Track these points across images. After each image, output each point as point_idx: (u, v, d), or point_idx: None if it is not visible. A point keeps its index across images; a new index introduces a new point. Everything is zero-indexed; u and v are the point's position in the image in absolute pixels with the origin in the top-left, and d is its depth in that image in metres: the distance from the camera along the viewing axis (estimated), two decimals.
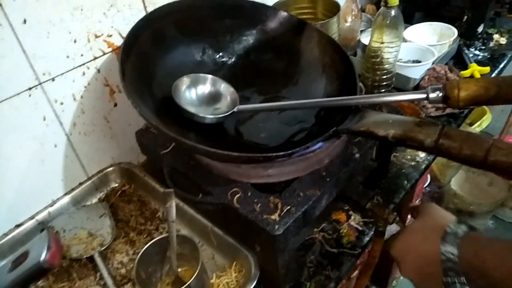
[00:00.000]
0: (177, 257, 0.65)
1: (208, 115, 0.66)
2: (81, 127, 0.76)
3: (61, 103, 0.71)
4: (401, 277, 1.66)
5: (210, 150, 0.52)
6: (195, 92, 0.69)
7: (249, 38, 0.81)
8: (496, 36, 1.22)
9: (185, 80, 0.68)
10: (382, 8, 0.88)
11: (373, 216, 0.63)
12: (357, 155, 0.64)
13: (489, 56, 1.16)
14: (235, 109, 0.67)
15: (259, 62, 0.80)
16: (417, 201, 1.28)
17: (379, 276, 1.52)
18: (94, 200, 0.82)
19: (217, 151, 0.52)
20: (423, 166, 0.84)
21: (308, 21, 1.08)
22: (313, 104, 0.64)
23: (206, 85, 0.70)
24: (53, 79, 0.68)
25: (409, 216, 1.28)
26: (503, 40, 1.21)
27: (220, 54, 0.79)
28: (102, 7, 0.70)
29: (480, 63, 1.11)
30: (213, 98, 0.70)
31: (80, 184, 0.81)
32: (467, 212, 1.66)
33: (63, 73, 0.69)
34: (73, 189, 0.80)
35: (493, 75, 1.09)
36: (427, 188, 1.54)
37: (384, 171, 0.82)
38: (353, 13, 1.08)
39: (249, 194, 0.60)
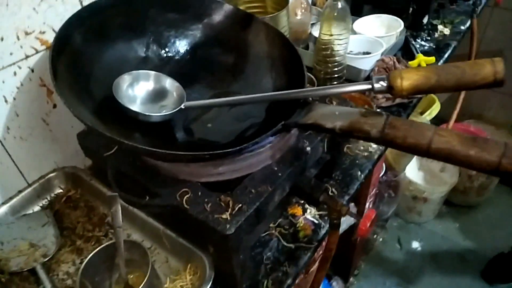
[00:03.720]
0: (126, 263, 0.61)
1: (153, 113, 0.63)
2: (16, 131, 0.71)
3: None
4: (362, 266, 1.71)
5: (153, 150, 0.50)
6: (138, 89, 0.66)
7: (196, 33, 0.78)
8: (440, 27, 1.27)
9: (127, 78, 0.64)
10: (329, 1, 0.88)
11: (327, 209, 0.63)
12: (308, 148, 0.63)
13: (434, 46, 1.20)
14: (182, 106, 0.64)
15: (207, 57, 0.78)
16: (374, 191, 1.31)
17: (342, 266, 1.55)
18: (36, 208, 0.77)
19: (160, 151, 0.50)
20: (375, 156, 0.85)
21: (258, 15, 1.08)
22: (261, 98, 0.62)
23: (149, 82, 0.67)
24: None
25: (367, 205, 1.31)
26: (447, 31, 1.25)
27: (166, 49, 0.76)
28: (31, 2, 0.65)
29: (426, 53, 1.15)
30: (158, 95, 0.67)
31: (19, 192, 0.75)
32: (421, 198, 1.72)
33: None
34: (11, 198, 0.74)
35: (438, 64, 1.13)
36: (383, 177, 1.58)
37: (338, 163, 0.82)
38: (303, 6, 1.08)
39: (199, 194, 0.57)
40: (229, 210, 0.54)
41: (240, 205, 0.55)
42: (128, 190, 0.60)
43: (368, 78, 1.04)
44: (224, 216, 0.53)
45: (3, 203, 0.73)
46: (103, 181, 0.75)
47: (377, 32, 1.18)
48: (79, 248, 0.70)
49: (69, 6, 0.70)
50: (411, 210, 1.82)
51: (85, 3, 0.72)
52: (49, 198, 0.78)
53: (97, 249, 0.59)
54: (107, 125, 0.58)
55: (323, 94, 0.59)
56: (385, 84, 0.53)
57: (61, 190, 0.79)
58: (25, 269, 0.66)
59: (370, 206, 1.39)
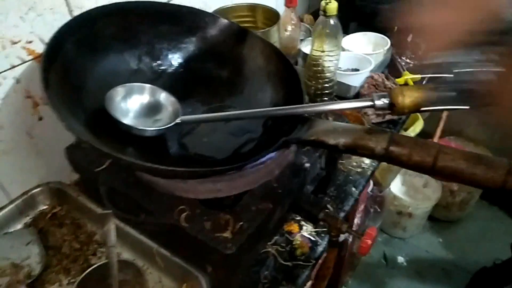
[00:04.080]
0: (120, 284, 0.58)
1: (147, 127, 0.61)
2: None
3: None
4: (349, 281, 1.69)
5: (152, 166, 0.47)
6: (132, 103, 0.64)
7: (189, 46, 0.76)
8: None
9: (120, 91, 0.62)
10: (321, 17, 0.89)
11: (327, 226, 0.62)
12: (307, 165, 0.63)
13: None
14: (177, 120, 0.62)
15: (201, 71, 0.76)
16: (362, 206, 1.31)
17: (329, 282, 1.53)
18: (19, 227, 0.72)
19: (160, 167, 0.47)
20: (368, 172, 0.85)
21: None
22: (259, 113, 0.61)
23: (144, 95, 0.65)
24: None
25: (355, 220, 1.30)
26: None
27: (158, 62, 0.74)
28: (18, 11, 0.62)
29: (411, 70, 1.17)
30: (153, 109, 0.65)
31: (0, 209, 0.71)
32: (406, 213, 1.73)
33: None
34: None
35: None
36: (369, 192, 1.59)
37: (332, 179, 0.81)
38: (293, 22, 1.08)
39: (198, 211, 0.55)
40: (230, 228, 0.52)
41: (241, 223, 0.53)
42: (121, 207, 0.57)
43: (357, 95, 1.05)
44: (224, 235, 0.52)
45: None
46: (91, 197, 0.72)
47: (364, 49, 1.20)
48: (66, 268, 0.66)
49: (58, 15, 0.68)
50: (396, 225, 1.83)
51: (75, 13, 0.70)
52: (32, 215, 0.73)
53: (89, 270, 0.56)
54: (99, 139, 0.56)
55: (323, 110, 0.59)
56: (386, 101, 0.53)
57: (45, 207, 0.75)
58: None
59: (359, 221, 1.39)
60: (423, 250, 1.83)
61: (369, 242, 0.56)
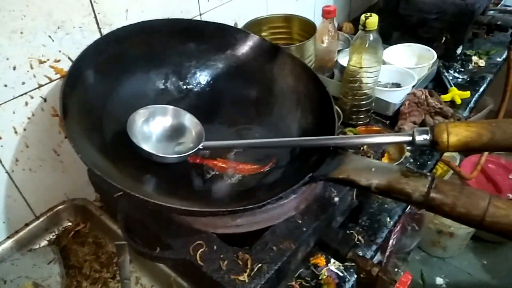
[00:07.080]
0: None
1: (168, 153, 0.59)
2: (26, 162, 0.67)
3: None
4: None
5: (164, 205, 0.45)
6: (155, 125, 0.62)
7: (218, 64, 0.74)
8: (474, 58, 1.20)
9: (143, 113, 0.60)
10: (360, 31, 0.83)
11: (356, 267, 0.56)
12: (336, 199, 0.58)
13: (468, 79, 1.13)
14: (200, 146, 0.60)
15: (229, 90, 0.73)
16: (398, 226, 1.23)
17: None
18: (44, 243, 0.73)
19: (173, 206, 0.45)
20: None
21: (283, 41, 1.04)
22: (285, 143, 0.57)
23: (167, 118, 0.63)
24: None
25: (390, 242, 1.22)
26: (482, 62, 1.18)
27: (186, 80, 0.72)
28: (47, 30, 0.61)
29: (460, 86, 1.08)
30: (176, 132, 0.63)
31: (26, 225, 0.71)
32: (447, 233, 1.63)
33: (0, 104, 0.60)
34: (17, 232, 0.70)
35: (473, 99, 1.06)
36: (407, 210, 1.50)
37: (365, 207, 0.76)
38: (330, 33, 1.03)
39: (215, 247, 0.52)
40: (247, 270, 0.49)
41: (259, 264, 0.49)
42: (138, 237, 0.55)
43: (397, 112, 0.98)
44: (241, 278, 0.48)
45: (9, 237, 0.69)
46: (113, 217, 0.71)
47: (407, 62, 1.12)
48: None
49: (88, 33, 0.67)
50: (435, 244, 1.72)
51: (105, 31, 0.69)
52: (57, 232, 0.74)
53: None
54: (116, 164, 0.54)
55: (355, 144, 0.53)
56: (428, 138, 0.47)
57: (69, 224, 0.75)
58: None
59: (394, 242, 1.31)
60: (465, 272, 1.71)
61: None
